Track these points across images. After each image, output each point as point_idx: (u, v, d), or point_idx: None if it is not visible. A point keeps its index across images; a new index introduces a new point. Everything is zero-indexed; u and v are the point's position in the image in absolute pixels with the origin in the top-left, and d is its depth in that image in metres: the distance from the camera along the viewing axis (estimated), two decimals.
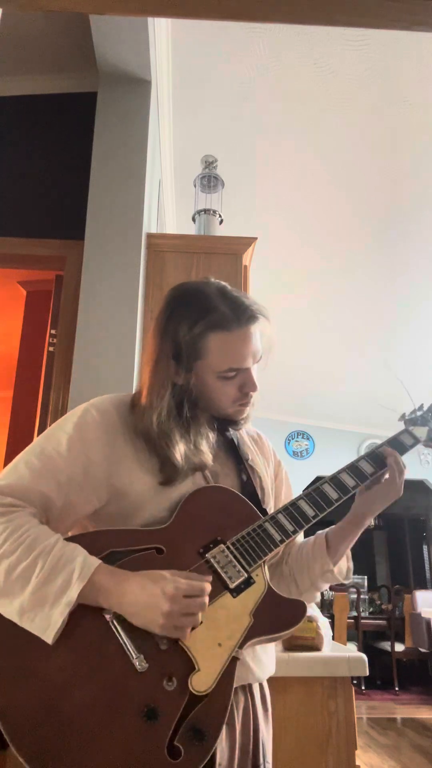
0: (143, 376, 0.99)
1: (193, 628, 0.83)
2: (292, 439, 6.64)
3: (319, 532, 1.09)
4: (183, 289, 1.01)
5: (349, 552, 1.08)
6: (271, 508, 1.04)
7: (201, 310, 0.94)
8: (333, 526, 1.07)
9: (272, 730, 1.02)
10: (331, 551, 1.04)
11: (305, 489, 1.01)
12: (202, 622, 0.84)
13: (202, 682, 0.81)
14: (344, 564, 1.07)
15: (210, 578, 0.86)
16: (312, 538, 1.09)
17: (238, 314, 0.94)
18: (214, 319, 0.93)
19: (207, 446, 0.97)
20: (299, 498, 1.00)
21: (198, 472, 0.97)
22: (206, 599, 0.83)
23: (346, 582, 1.10)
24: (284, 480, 1.16)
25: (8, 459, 2.60)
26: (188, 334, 0.94)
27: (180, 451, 0.92)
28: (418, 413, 1.17)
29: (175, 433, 0.93)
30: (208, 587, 0.84)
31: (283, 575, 1.08)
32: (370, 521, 1.05)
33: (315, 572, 1.04)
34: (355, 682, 4.03)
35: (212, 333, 0.93)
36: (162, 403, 0.94)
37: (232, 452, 1.06)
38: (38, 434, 2.32)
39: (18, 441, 2.65)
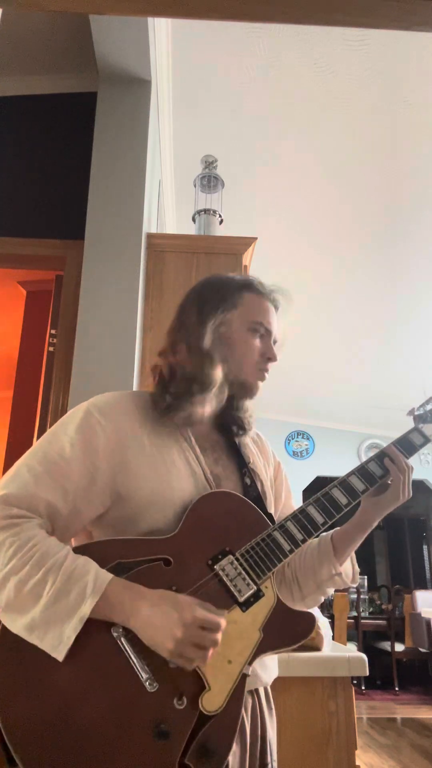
0: (171, 337, 1.04)
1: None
2: (292, 439, 6.64)
3: (324, 534, 1.07)
4: (213, 276, 1.12)
5: (353, 555, 1.07)
6: (272, 512, 1.03)
7: (235, 281, 1.07)
8: (338, 529, 1.06)
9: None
10: (338, 554, 1.03)
11: (305, 490, 1.01)
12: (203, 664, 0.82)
13: (212, 701, 0.80)
14: (350, 567, 1.07)
15: (225, 615, 0.84)
16: (316, 541, 1.07)
17: (266, 290, 1.08)
18: (248, 284, 1.06)
19: (210, 408, 1.01)
20: (308, 504, 0.98)
21: (201, 477, 0.96)
22: (219, 637, 0.80)
23: (353, 585, 1.08)
24: (284, 481, 1.15)
25: (8, 459, 2.60)
26: (225, 295, 1.04)
27: (218, 374, 0.98)
28: (428, 407, 1.12)
29: (216, 359, 0.99)
30: (224, 624, 0.82)
31: (285, 578, 1.07)
32: (377, 523, 1.04)
33: (322, 576, 1.03)
34: (355, 682, 4.03)
35: (247, 292, 1.05)
36: (207, 335, 1.00)
37: (234, 454, 1.05)
38: (38, 434, 2.33)
39: (18, 441, 2.65)
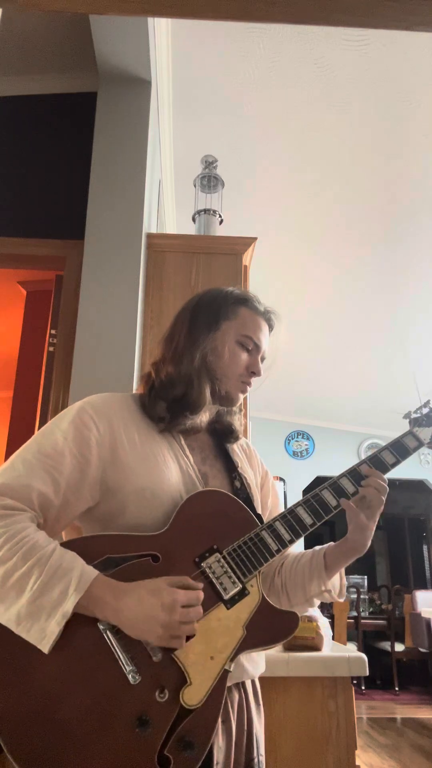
0: (163, 349, 1.07)
1: (188, 638, 0.83)
2: (292, 439, 6.63)
3: (317, 548, 1.08)
4: (211, 290, 1.13)
5: (342, 569, 1.06)
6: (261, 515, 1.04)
7: (232, 295, 1.10)
8: (331, 545, 1.05)
9: (272, 730, 1.02)
10: (329, 572, 1.04)
11: (305, 490, 1.01)
12: (194, 635, 0.84)
13: (193, 696, 0.82)
14: (337, 581, 1.07)
15: (201, 586, 0.86)
16: (309, 553, 1.08)
17: (262, 308, 1.11)
18: (244, 300, 1.09)
19: (205, 418, 1.05)
20: (298, 505, 0.99)
21: (189, 473, 0.98)
22: (201, 608, 0.83)
23: (340, 600, 1.08)
24: (271, 489, 1.17)
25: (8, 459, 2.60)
26: (219, 310, 1.07)
27: (207, 392, 1.01)
28: (424, 410, 1.12)
29: (204, 376, 1.02)
30: (202, 595, 0.84)
31: (274, 586, 1.08)
32: (368, 545, 1.01)
33: (312, 591, 1.04)
34: (355, 682, 4.03)
35: (242, 307, 1.08)
36: (196, 352, 1.03)
37: (222, 456, 1.08)
38: None
39: (18, 441, 2.64)
